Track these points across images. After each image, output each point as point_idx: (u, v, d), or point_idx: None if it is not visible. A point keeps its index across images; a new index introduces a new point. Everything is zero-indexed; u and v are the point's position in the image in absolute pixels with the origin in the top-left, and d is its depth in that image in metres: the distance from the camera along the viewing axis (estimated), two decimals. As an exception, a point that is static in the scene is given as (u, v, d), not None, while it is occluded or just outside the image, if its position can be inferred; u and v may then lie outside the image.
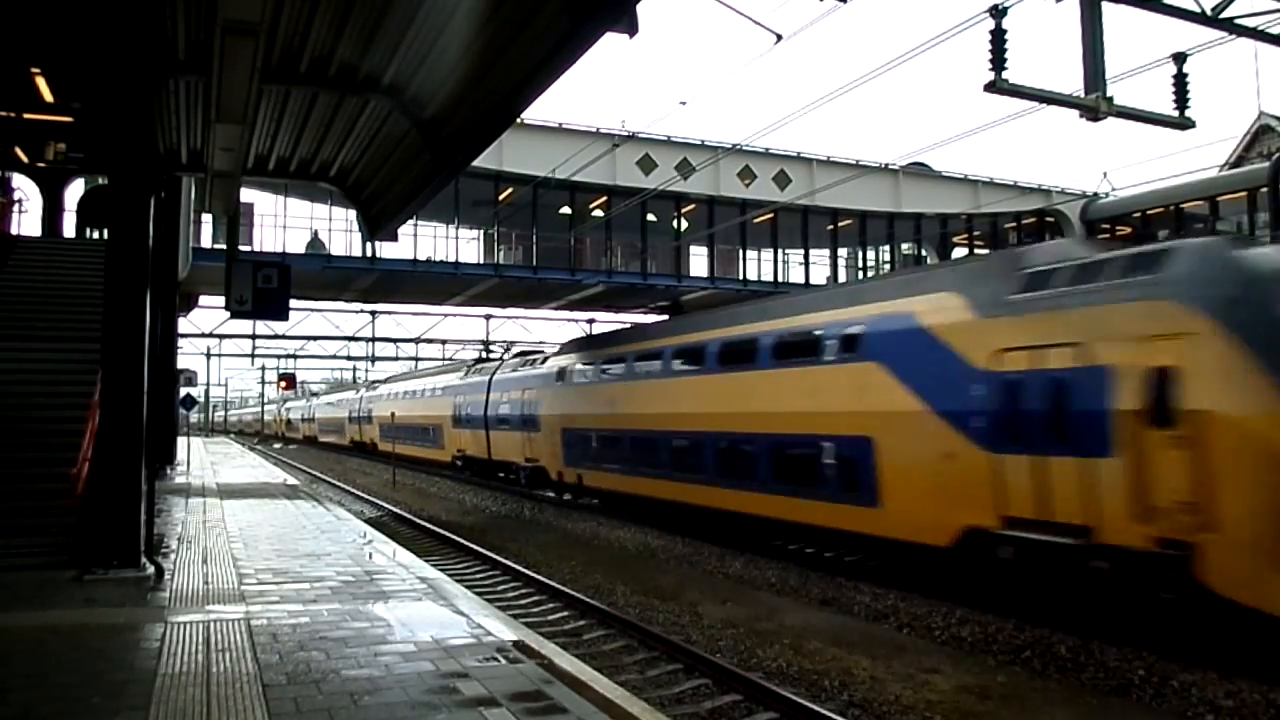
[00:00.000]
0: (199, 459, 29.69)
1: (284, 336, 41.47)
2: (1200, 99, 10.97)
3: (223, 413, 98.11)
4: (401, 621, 7.40)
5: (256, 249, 25.57)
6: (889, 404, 11.96)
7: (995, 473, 10.24)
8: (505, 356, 32.59)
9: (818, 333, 13.74)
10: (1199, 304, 8.68)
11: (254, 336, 42.25)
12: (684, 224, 30.77)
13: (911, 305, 12.06)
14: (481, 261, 29.82)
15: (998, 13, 9.94)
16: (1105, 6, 10.13)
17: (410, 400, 39.31)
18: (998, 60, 9.92)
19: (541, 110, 49.94)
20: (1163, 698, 7.76)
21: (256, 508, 15.91)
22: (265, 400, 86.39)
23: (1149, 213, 31.65)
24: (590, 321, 37.87)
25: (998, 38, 9.93)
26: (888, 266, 34.51)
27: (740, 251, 32.04)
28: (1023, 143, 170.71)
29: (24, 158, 21.70)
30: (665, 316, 29.07)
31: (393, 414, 37.79)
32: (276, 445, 68.26)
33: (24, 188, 23.25)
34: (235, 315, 14.38)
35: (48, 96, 16.02)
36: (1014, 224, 35.08)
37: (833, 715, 6.98)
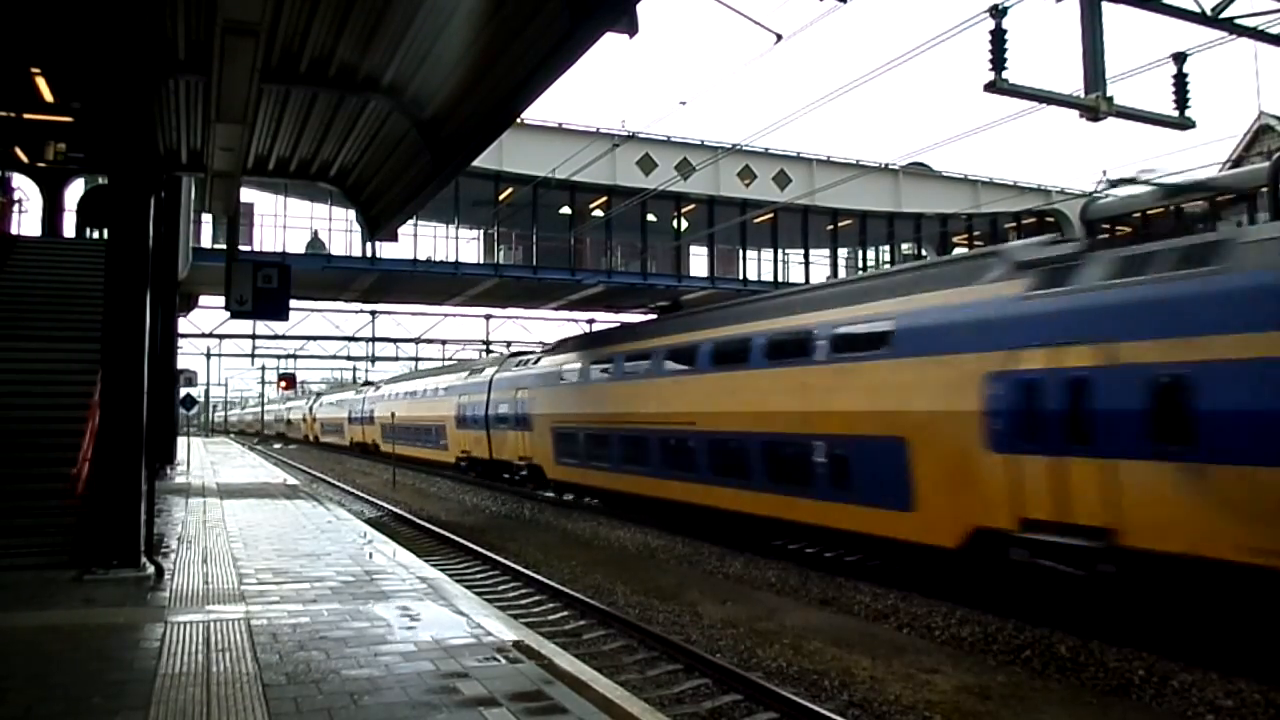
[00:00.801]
0: (199, 459, 29.68)
1: (284, 336, 41.48)
2: (1200, 99, 10.98)
3: (222, 412, 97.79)
4: (401, 621, 7.40)
5: (256, 249, 25.57)
6: None
7: None
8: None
9: None
10: None
11: (254, 336, 42.27)
12: (684, 224, 30.78)
13: None
14: (481, 261, 29.82)
15: (998, 13, 9.94)
16: (1105, 6, 10.13)
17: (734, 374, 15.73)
18: (998, 60, 9.92)
19: (541, 110, 50.07)
20: (1163, 698, 7.75)
21: (256, 508, 15.91)
22: (266, 399, 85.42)
23: (1149, 212, 31.65)
24: (590, 321, 37.88)
25: (998, 38, 9.93)
26: (887, 266, 34.54)
27: (740, 251, 32.06)
28: (1023, 143, 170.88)
29: (24, 158, 21.71)
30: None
31: (607, 412, 19.84)
32: (276, 446, 67.88)
33: (24, 188, 23.28)
34: (235, 315, 14.36)
35: (48, 96, 16.04)
36: (1014, 224, 35.10)
37: (833, 715, 6.97)
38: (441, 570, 10.90)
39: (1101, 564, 9.17)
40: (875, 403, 12.21)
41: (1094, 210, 34.24)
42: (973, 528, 10.59)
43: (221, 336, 41.66)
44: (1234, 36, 10.99)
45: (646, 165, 28.07)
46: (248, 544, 11.48)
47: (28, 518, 10.04)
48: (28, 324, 13.72)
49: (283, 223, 26.70)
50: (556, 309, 36.41)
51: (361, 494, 25.96)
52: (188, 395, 26.51)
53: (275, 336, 41.38)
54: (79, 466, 10.03)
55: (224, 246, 19.52)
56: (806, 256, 32.57)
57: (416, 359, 47.32)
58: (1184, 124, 10.83)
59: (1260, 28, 11.13)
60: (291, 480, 23.95)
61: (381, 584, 9.03)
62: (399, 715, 5.14)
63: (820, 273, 33.04)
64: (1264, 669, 7.95)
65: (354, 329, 41.81)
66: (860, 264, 34.70)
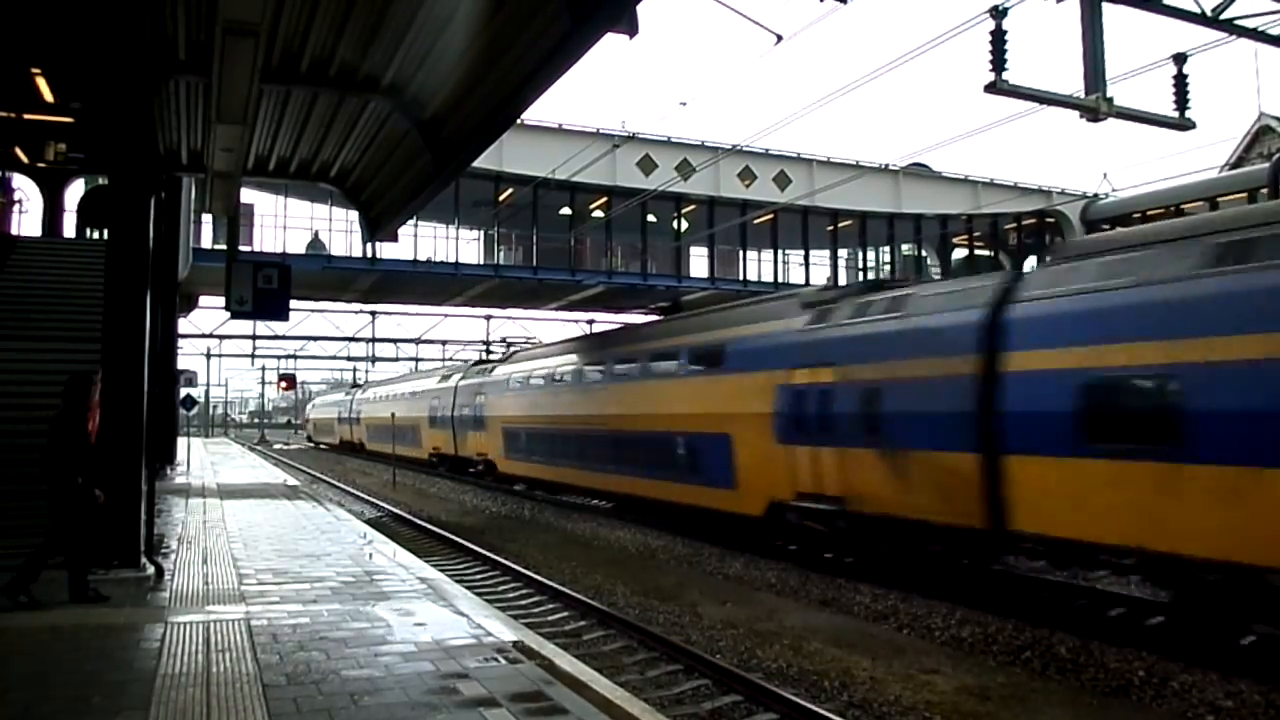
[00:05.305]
0: (199, 459, 29.68)
1: (284, 337, 41.56)
2: (1200, 99, 10.99)
3: (223, 411, 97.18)
4: (401, 622, 7.40)
5: (257, 249, 25.62)
6: None
7: None
8: None
9: None
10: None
11: (254, 337, 42.36)
12: (684, 224, 30.80)
13: None
14: (481, 262, 29.85)
15: (998, 13, 9.95)
16: (1105, 7, 10.15)
17: None
18: (998, 61, 9.93)
19: (541, 111, 50.08)
20: (1163, 698, 7.75)
21: (256, 508, 15.91)
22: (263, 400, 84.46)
23: (1149, 213, 31.68)
24: (590, 322, 37.88)
25: (998, 38, 9.94)
26: (888, 267, 34.55)
27: (740, 252, 32.09)
28: (1023, 143, 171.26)
29: (24, 158, 21.68)
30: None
31: None
32: (277, 446, 67.55)
33: (24, 188, 23.29)
34: (235, 315, 14.34)
35: (48, 96, 16.01)
36: (1014, 224, 35.12)
37: (832, 716, 6.97)
38: (441, 571, 10.89)
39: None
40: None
41: (1094, 211, 34.30)
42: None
43: (222, 337, 41.75)
44: (1234, 37, 11.00)
45: (647, 166, 28.10)
46: (248, 544, 11.48)
47: (27, 518, 10.03)
48: (28, 324, 13.70)
49: (283, 223, 26.80)
50: (557, 309, 36.44)
51: (361, 494, 25.94)
52: (188, 395, 26.53)
53: (275, 337, 41.44)
54: (79, 467, 10.00)
55: (224, 247, 19.56)
56: (806, 257, 32.59)
57: (416, 359, 47.37)
58: (1184, 125, 10.84)
59: (1260, 28, 11.14)
60: (291, 481, 23.96)
61: (381, 584, 9.03)
62: (399, 715, 5.14)
63: (821, 273, 33.06)
64: (1264, 669, 7.96)
65: (354, 329, 41.92)
66: (860, 265, 34.71)
